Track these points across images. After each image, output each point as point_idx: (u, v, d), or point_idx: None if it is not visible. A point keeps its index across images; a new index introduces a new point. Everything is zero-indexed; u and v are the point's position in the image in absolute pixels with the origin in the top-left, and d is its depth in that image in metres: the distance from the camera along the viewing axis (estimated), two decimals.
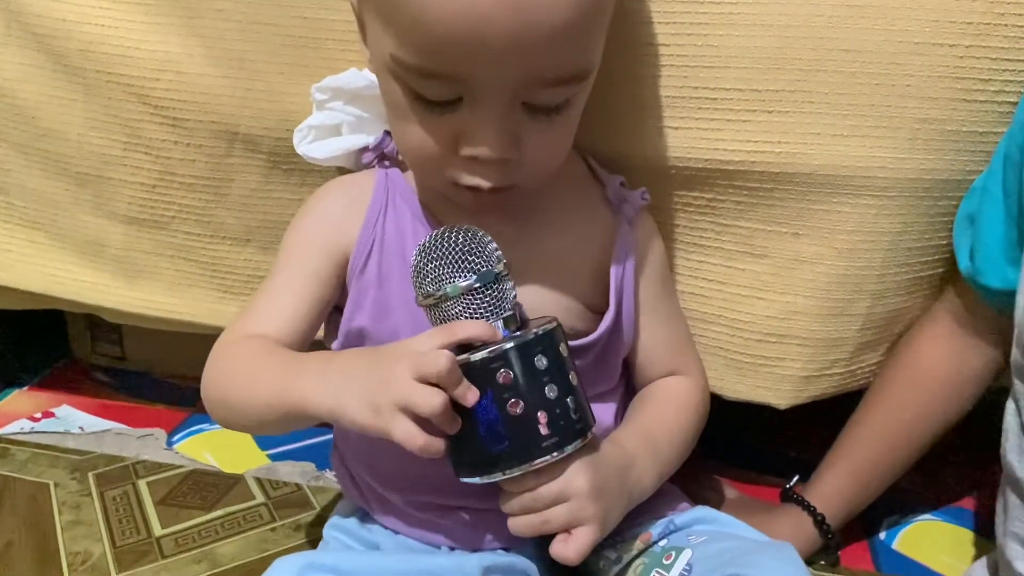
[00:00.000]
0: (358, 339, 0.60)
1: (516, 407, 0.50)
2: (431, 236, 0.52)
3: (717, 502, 0.77)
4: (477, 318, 0.51)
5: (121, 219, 0.77)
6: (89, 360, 1.04)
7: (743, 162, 0.64)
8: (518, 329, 0.52)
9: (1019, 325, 0.55)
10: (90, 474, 0.83)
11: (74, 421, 0.92)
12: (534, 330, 0.52)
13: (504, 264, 0.52)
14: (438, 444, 0.49)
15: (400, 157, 0.62)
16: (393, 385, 0.48)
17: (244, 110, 0.70)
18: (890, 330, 0.70)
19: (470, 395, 0.49)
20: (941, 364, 0.68)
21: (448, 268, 0.51)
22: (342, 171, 0.68)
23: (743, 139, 0.63)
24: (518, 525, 0.53)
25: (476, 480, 0.52)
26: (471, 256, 0.51)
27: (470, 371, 0.50)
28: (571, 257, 0.61)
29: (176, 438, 0.89)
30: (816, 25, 0.60)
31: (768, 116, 0.63)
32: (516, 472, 0.51)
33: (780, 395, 0.72)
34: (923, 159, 0.63)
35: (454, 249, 0.51)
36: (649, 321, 0.64)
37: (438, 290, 0.51)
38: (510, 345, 0.50)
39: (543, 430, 0.51)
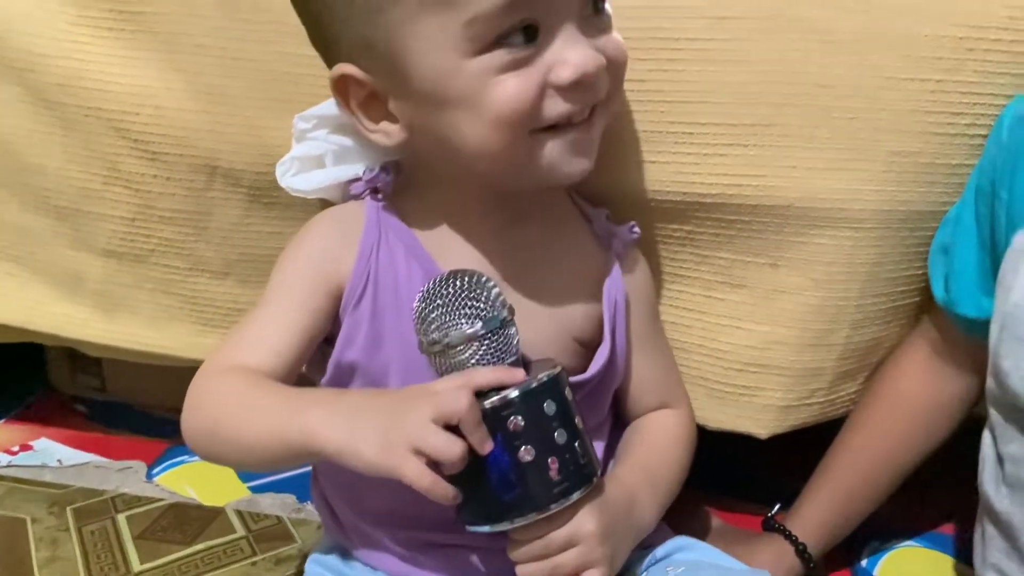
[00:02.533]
0: (349, 372, 0.59)
1: (527, 454, 0.49)
2: (433, 281, 0.52)
3: (700, 531, 0.76)
4: (483, 364, 0.51)
5: (100, 252, 0.77)
6: (69, 391, 1.03)
7: (720, 195, 0.65)
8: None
9: (993, 354, 0.56)
10: (68, 508, 0.82)
11: (52, 454, 0.91)
12: (540, 376, 0.51)
13: (508, 309, 0.52)
14: (447, 488, 0.48)
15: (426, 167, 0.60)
16: (410, 424, 0.47)
17: (224, 144, 0.70)
18: (868, 359, 0.71)
19: (487, 443, 0.49)
20: (919, 392, 0.69)
21: (453, 315, 0.50)
22: (324, 203, 0.67)
23: (720, 172, 0.64)
24: (528, 572, 0.52)
25: (485, 529, 0.51)
26: (475, 302, 0.50)
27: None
28: (563, 293, 0.61)
29: (156, 470, 0.89)
30: (790, 60, 0.61)
31: (744, 150, 0.63)
32: (527, 520, 0.50)
33: (761, 424, 0.72)
34: (897, 191, 0.63)
35: (458, 295, 0.50)
36: (640, 354, 0.64)
37: (444, 337, 0.50)
38: (519, 392, 0.50)
39: (554, 476, 0.50)
